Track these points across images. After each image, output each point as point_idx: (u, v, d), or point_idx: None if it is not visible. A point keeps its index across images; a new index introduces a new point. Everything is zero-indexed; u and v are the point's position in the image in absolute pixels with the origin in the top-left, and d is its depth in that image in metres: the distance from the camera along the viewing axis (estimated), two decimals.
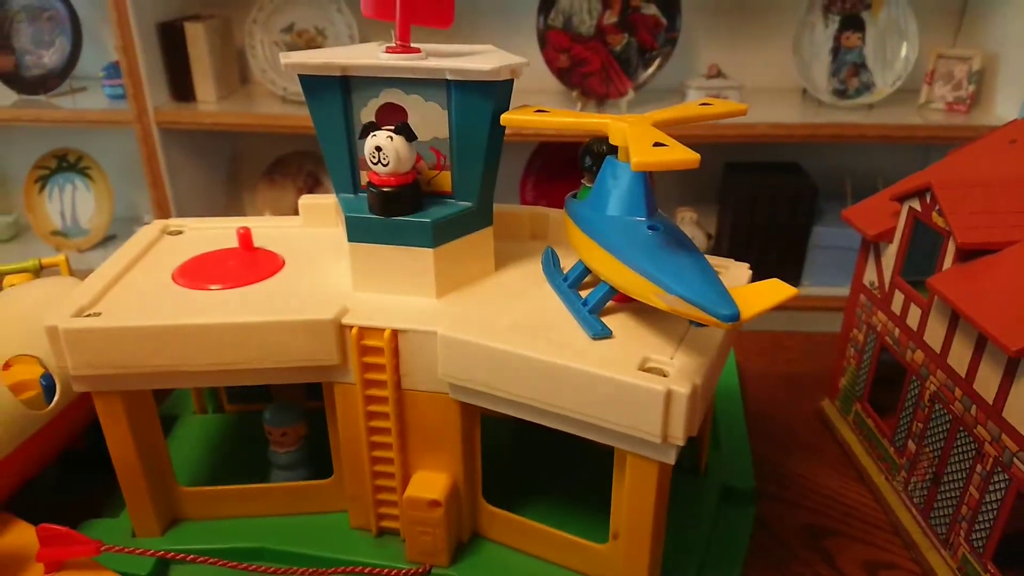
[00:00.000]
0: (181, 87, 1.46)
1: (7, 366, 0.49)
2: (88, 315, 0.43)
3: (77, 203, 1.67)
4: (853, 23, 1.40)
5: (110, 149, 1.66)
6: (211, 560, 0.44)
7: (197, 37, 1.43)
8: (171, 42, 1.43)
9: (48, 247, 1.64)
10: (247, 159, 1.70)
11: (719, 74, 1.43)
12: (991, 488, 0.45)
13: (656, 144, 0.35)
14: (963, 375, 0.47)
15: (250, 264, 0.49)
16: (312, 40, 1.50)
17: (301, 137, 1.52)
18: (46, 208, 1.67)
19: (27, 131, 1.65)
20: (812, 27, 1.41)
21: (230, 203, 1.70)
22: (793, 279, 1.45)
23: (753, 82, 1.48)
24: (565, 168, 1.54)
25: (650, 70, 1.41)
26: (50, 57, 1.56)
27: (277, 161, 1.63)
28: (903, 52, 1.39)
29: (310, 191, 1.62)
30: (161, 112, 1.42)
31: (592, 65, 1.41)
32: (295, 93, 1.45)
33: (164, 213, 1.48)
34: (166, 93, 1.47)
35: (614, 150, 0.42)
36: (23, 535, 0.45)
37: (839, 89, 1.41)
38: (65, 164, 1.66)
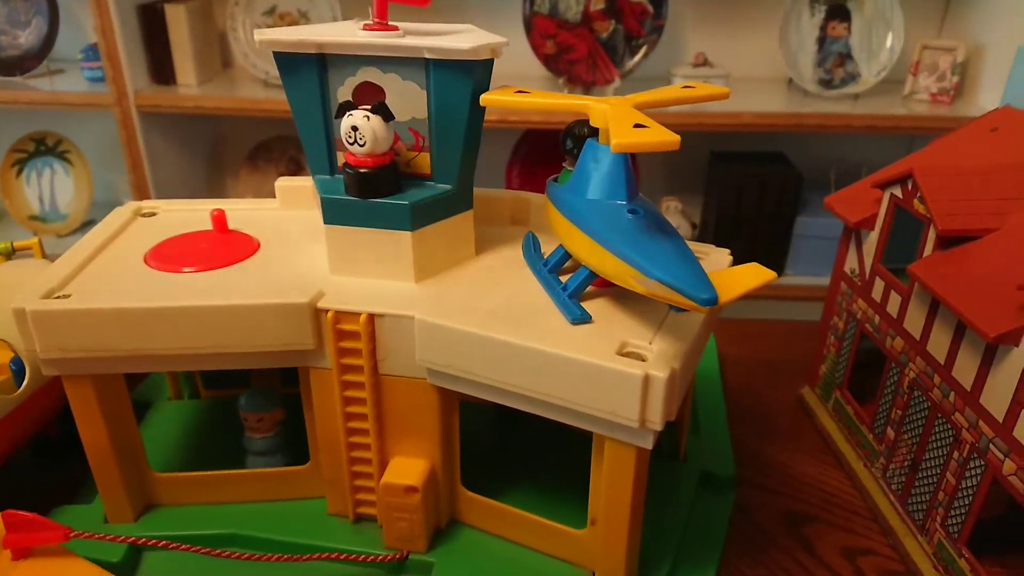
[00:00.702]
0: (161, 70, 1.44)
1: None
2: (57, 297, 0.42)
3: (56, 187, 1.65)
4: (839, 13, 1.40)
5: (89, 133, 1.63)
6: (185, 546, 0.43)
7: (178, 19, 1.40)
8: (151, 24, 1.41)
9: (26, 232, 1.62)
10: (229, 144, 1.68)
11: (705, 62, 1.43)
12: (967, 474, 0.45)
13: (637, 126, 0.35)
14: (942, 362, 0.47)
15: (224, 246, 0.48)
16: (294, 23, 1.48)
17: (283, 122, 1.50)
18: (24, 192, 1.64)
19: (3, 114, 1.61)
20: (798, 16, 1.40)
21: (212, 188, 1.68)
22: (777, 268, 1.45)
23: (739, 71, 1.48)
24: (551, 155, 1.53)
25: (636, 58, 1.40)
26: (26, 38, 1.52)
27: (259, 146, 1.61)
28: (888, 42, 1.39)
29: (293, 176, 1.60)
30: (141, 95, 1.40)
31: (578, 52, 1.41)
32: (277, 77, 1.42)
33: (144, 198, 1.44)
34: (146, 76, 1.44)
35: (596, 133, 0.42)
36: None
37: (825, 79, 1.41)
38: (43, 148, 1.63)
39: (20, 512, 0.40)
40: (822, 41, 1.41)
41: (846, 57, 1.41)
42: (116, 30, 1.33)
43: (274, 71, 1.44)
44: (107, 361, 0.43)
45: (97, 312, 0.41)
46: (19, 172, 1.63)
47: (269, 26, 1.47)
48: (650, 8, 1.38)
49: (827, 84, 1.41)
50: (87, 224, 1.64)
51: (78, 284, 0.44)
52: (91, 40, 1.46)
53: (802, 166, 1.43)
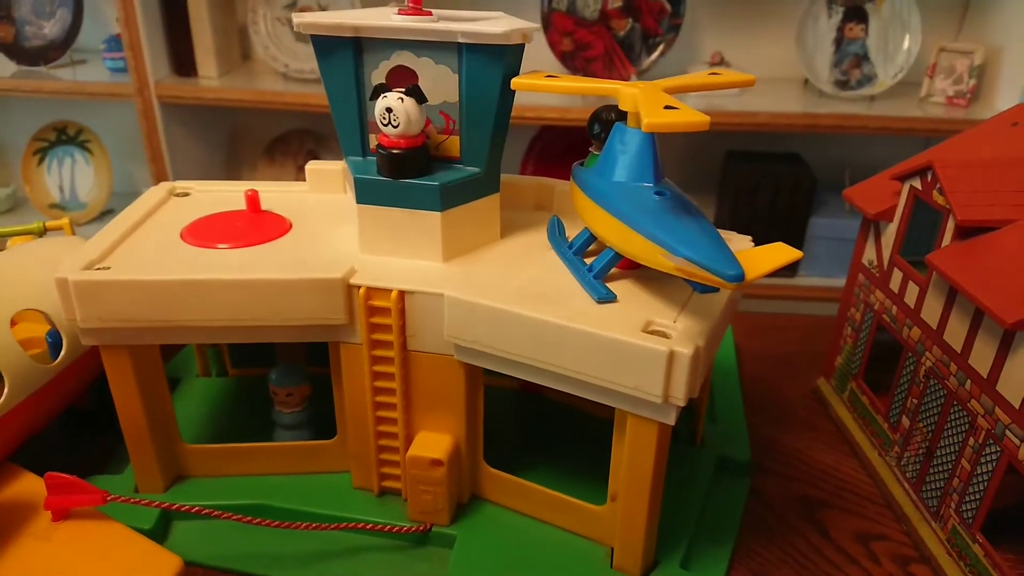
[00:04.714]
0: (183, 61, 1.46)
1: (14, 322, 0.49)
2: (98, 269, 0.43)
3: (76, 176, 1.67)
4: (856, 14, 1.41)
5: (109, 123, 1.65)
6: (216, 513, 0.44)
7: (200, 11, 1.42)
8: (173, 16, 1.42)
9: (46, 220, 1.64)
10: (247, 136, 1.70)
11: (722, 62, 1.44)
12: (982, 460, 0.45)
13: (667, 107, 0.36)
14: (959, 350, 0.48)
15: (258, 225, 0.50)
16: None
17: (302, 115, 1.51)
18: (44, 181, 1.66)
19: (26, 103, 1.64)
20: (816, 18, 1.41)
21: (229, 180, 1.69)
22: (790, 268, 1.46)
23: (755, 71, 1.46)
24: (566, 153, 1.54)
25: (653, 56, 1.41)
26: (51, 28, 1.54)
27: (277, 139, 1.62)
28: (905, 45, 1.39)
29: None
30: (162, 86, 1.42)
31: (595, 50, 1.42)
32: (297, 70, 1.45)
33: None
34: (167, 67, 1.46)
35: (623, 117, 0.43)
36: (30, 485, 0.45)
37: (841, 80, 1.42)
38: (65, 137, 1.65)
39: (61, 474, 0.42)
40: (839, 42, 1.41)
41: (863, 59, 1.41)
42: (139, 21, 1.35)
43: (294, 64, 1.45)
44: (144, 332, 0.44)
45: (137, 283, 0.42)
46: (40, 160, 1.65)
47: (289, 19, 1.48)
48: (668, 7, 1.39)
49: (843, 85, 1.41)
50: (106, 213, 1.66)
51: (117, 257, 0.45)
52: (114, 31, 1.48)
53: (817, 167, 1.43)
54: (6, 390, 0.47)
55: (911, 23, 1.38)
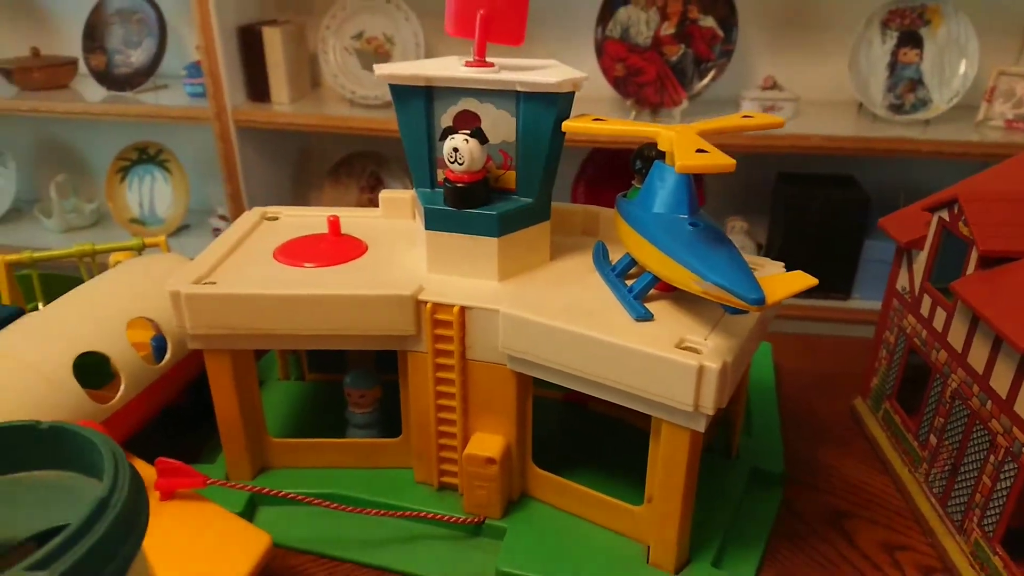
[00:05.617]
0: (257, 88, 1.55)
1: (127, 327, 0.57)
2: (205, 283, 0.51)
3: (155, 193, 1.79)
4: (911, 39, 1.41)
5: (187, 144, 1.77)
6: (299, 497, 0.51)
7: (274, 41, 1.51)
8: (249, 45, 1.52)
9: (126, 234, 1.76)
10: (314, 159, 1.79)
11: (774, 86, 1.46)
12: (1002, 476, 0.48)
13: (699, 151, 0.41)
14: (981, 373, 0.51)
15: (339, 247, 0.56)
16: (380, 47, 1.58)
17: (366, 139, 1.59)
18: (126, 197, 1.78)
19: (112, 125, 1.77)
20: (869, 43, 1.42)
21: (297, 200, 1.78)
22: (843, 291, 1.46)
23: (808, 95, 1.50)
24: (614, 174, 1.59)
25: (705, 81, 1.45)
26: (137, 56, 1.67)
27: (341, 161, 1.71)
28: (962, 69, 1.39)
29: (372, 190, 1.70)
30: (239, 111, 1.51)
31: (648, 75, 1.46)
32: (363, 97, 1.54)
33: (237, 206, 1.58)
34: (243, 93, 1.56)
35: (662, 155, 0.48)
36: (140, 470, 0.52)
37: (895, 104, 1.42)
38: (145, 156, 1.78)
39: (170, 460, 0.48)
40: (893, 67, 1.42)
41: (917, 83, 1.41)
42: (218, 50, 1.45)
43: (360, 91, 1.54)
44: (243, 338, 0.51)
45: (239, 297, 0.49)
46: (123, 178, 1.78)
47: (357, 50, 1.58)
48: (720, 33, 1.43)
49: (897, 109, 1.42)
50: (182, 228, 1.78)
51: (220, 273, 0.53)
52: (194, 59, 1.59)
53: (872, 190, 1.43)
54: (122, 387, 0.54)
55: (968, 48, 1.38)
